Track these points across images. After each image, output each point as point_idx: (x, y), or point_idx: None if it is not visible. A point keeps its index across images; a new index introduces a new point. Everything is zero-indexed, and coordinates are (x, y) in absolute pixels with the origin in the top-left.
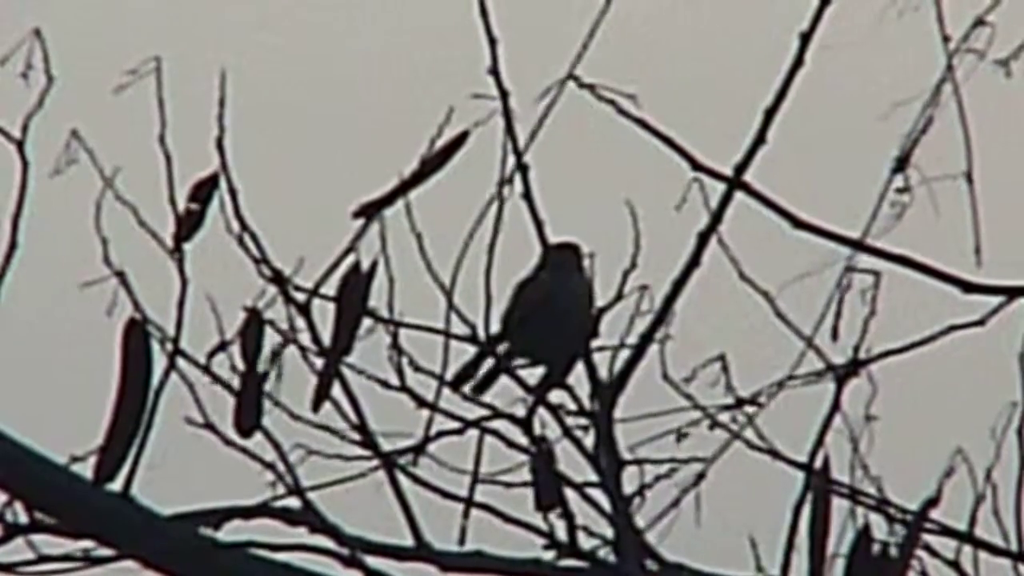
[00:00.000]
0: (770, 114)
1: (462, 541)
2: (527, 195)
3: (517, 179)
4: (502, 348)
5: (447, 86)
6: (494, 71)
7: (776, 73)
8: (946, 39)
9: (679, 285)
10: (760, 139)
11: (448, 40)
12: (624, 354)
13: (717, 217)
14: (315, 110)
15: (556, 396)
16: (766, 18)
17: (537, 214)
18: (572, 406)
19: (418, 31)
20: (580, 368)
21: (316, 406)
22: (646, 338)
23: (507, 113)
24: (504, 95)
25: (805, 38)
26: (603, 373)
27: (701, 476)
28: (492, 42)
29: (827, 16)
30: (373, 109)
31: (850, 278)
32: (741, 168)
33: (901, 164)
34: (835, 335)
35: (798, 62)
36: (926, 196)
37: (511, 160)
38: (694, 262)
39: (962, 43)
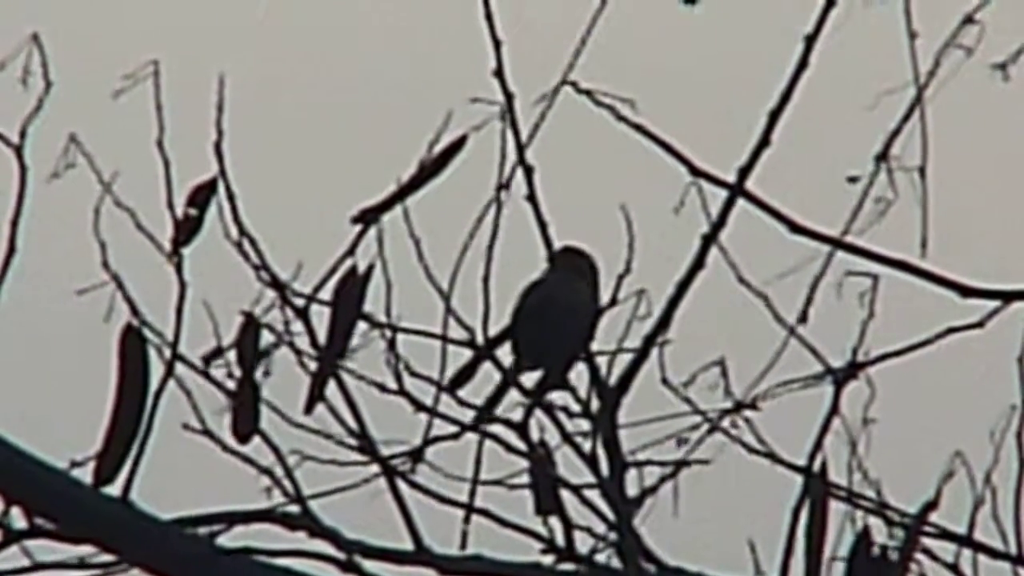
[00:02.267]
0: (774, 116)
1: (463, 545)
2: (531, 197)
3: (521, 181)
4: (507, 358)
5: (446, 90)
6: (499, 73)
7: (779, 76)
8: (912, 35)
9: (683, 287)
10: (764, 141)
11: (447, 44)
12: (624, 357)
13: (721, 219)
14: (314, 115)
15: (558, 398)
16: (769, 20)
17: (541, 216)
18: (574, 408)
19: (417, 35)
20: (581, 371)
21: (309, 408)
22: (650, 340)
23: (512, 115)
24: (509, 97)
25: (810, 40)
26: (603, 376)
27: (679, 466)
28: (497, 44)
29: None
30: (372, 113)
31: (829, 266)
32: (745, 171)
33: (881, 159)
34: (803, 319)
35: (803, 64)
36: (925, 198)
37: (513, 162)
38: (698, 264)
39: (952, 40)
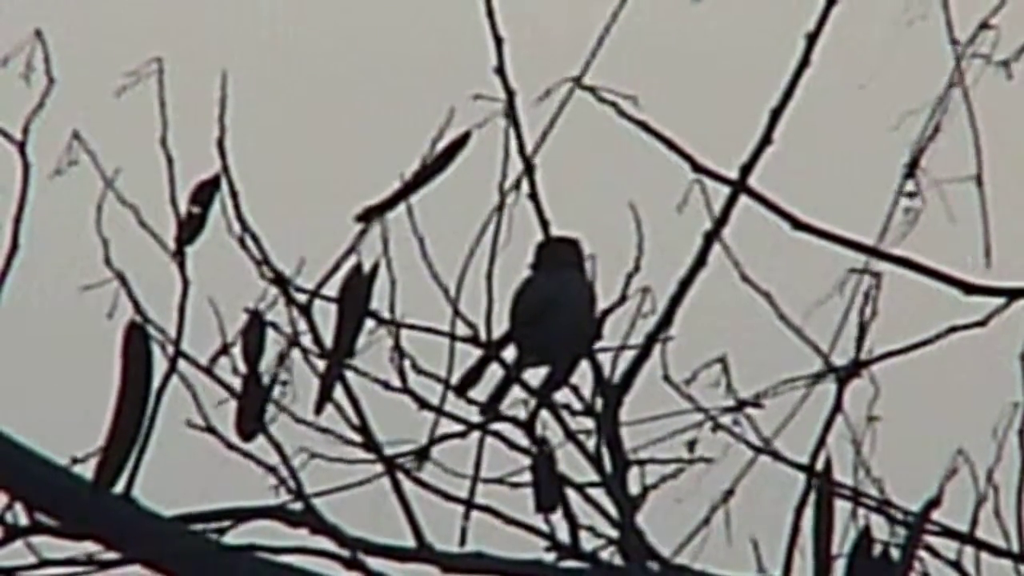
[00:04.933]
0: (776, 114)
1: (462, 542)
2: (533, 195)
3: (523, 179)
4: (511, 355)
5: (449, 87)
6: (500, 70)
7: (782, 75)
8: (954, 42)
9: (685, 285)
10: (766, 139)
11: (449, 41)
12: (627, 355)
13: (724, 217)
14: (316, 112)
15: (561, 396)
16: (772, 18)
17: (543, 214)
18: (577, 406)
19: (419, 32)
20: (584, 369)
21: (319, 408)
22: (652, 337)
23: (513, 113)
24: (510, 94)
25: (811, 39)
26: (606, 374)
27: (730, 493)
28: (498, 41)
29: (841, 20)
30: (375, 110)
31: (858, 284)
32: (747, 168)
33: (911, 169)
34: (835, 341)
35: (804, 62)
36: (932, 200)
37: (515, 160)
38: (700, 262)
39: (968, 46)
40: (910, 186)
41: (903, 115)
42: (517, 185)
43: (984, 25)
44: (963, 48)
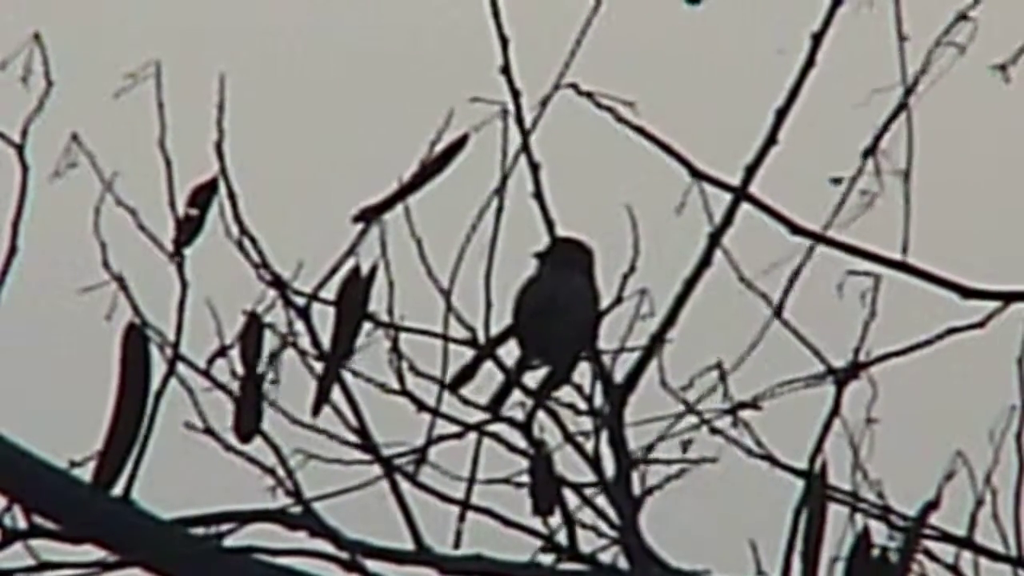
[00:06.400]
0: (781, 115)
1: (457, 544)
2: (538, 194)
3: (528, 179)
4: (513, 354)
5: (447, 89)
6: (506, 70)
7: (785, 74)
8: (903, 39)
9: (690, 285)
10: (771, 140)
11: (448, 42)
12: (627, 356)
13: (728, 218)
14: (314, 113)
15: (565, 395)
16: (772, 20)
17: (548, 213)
18: (581, 405)
19: (419, 33)
20: (584, 370)
21: (316, 410)
22: (657, 338)
23: (519, 113)
24: (515, 94)
25: (817, 39)
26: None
27: (683, 470)
28: (504, 42)
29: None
30: (373, 111)
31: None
32: (752, 169)
33: (868, 154)
34: (780, 310)
35: (810, 62)
36: (923, 199)
37: (517, 160)
38: (704, 263)
39: (944, 37)
40: (865, 180)
41: (869, 94)
42: (503, 182)
43: (961, 16)
44: (939, 39)
